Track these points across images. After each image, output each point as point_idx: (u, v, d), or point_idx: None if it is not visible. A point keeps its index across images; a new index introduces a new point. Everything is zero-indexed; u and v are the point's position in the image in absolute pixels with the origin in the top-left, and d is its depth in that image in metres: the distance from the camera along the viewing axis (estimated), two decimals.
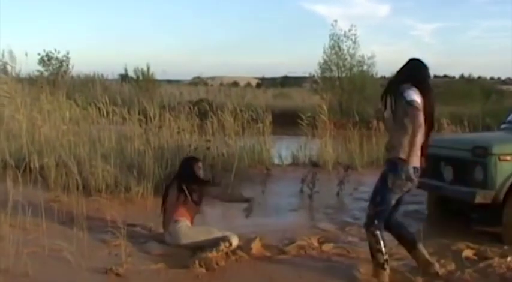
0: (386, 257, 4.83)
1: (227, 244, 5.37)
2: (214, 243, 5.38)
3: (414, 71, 4.78)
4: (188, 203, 5.67)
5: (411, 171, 4.51)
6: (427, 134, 4.75)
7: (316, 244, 5.99)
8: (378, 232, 4.80)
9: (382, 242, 4.81)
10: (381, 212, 4.79)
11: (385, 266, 4.82)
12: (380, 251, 4.81)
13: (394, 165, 4.66)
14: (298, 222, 7.15)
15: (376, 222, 4.79)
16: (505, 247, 5.94)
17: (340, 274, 5.10)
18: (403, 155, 4.58)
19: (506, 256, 5.58)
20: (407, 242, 5.11)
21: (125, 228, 5.56)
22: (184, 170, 5.95)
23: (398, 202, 4.93)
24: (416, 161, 4.59)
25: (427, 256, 5.08)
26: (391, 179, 4.67)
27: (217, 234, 5.49)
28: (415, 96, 4.55)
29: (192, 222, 5.70)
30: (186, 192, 5.66)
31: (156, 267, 5.09)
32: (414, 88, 4.62)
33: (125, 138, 9.37)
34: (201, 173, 6.04)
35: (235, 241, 5.45)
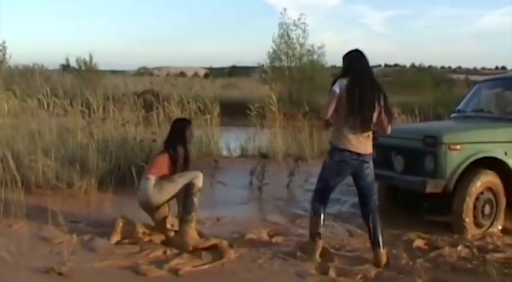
0: (319, 230, 5.27)
1: (197, 193, 5.55)
2: (183, 204, 5.59)
3: (346, 64, 5.17)
4: (168, 165, 5.67)
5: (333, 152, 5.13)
6: (356, 122, 4.99)
7: (266, 237, 6.00)
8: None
9: (314, 214, 5.33)
10: (317, 189, 5.34)
11: (317, 238, 5.26)
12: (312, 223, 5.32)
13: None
14: (247, 215, 7.15)
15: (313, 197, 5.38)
16: (455, 236, 6.09)
17: (292, 267, 5.11)
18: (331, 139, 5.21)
19: (457, 245, 5.73)
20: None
21: (67, 225, 5.46)
22: (174, 131, 5.91)
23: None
24: (339, 143, 5.07)
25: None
26: (325, 161, 5.25)
27: (182, 180, 5.56)
28: (335, 87, 5.01)
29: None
30: (172, 153, 5.67)
31: (101, 265, 4.99)
32: (343, 80, 5.02)
33: (67, 131, 9.19)
34: (191, 139, 6.05)
35: (199, 182, 5.59)
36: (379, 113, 5.04)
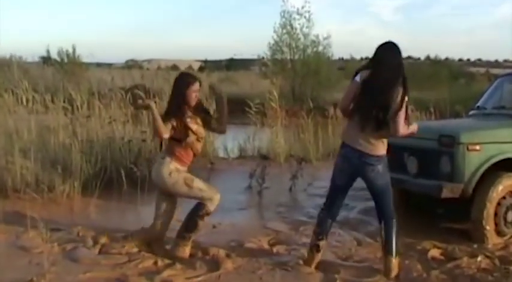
0: (319, 242, 5.30)
1: (203, 217, 5.47)
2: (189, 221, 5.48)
3: (373, 56, 5.09)
4: (181, 137, 5.43)
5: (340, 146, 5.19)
6: (368, 121, 4.98)
7: (266, 246, 6.00)
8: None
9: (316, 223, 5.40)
10: (327, 193, 5.43)
11: (314, 250, 5.32)
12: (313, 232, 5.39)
13: None
14: (246, 222, 7.15)
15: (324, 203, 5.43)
16: (475, 246, 6.08)
17: (294, 280, 5.11)
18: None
19: (476, 255, 5.71)
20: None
21: (48, 232, 5.45)
22: (176, 89, 5.51)
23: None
24: (345, 137, 5.18)
25: None
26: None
27: (198, 193, 5.42)
28: (357, 77, 5.09)
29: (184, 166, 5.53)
30: (174, 122, 5.38)
31: (85, 277, 4.99)
32: (366, 71, 5.04)
33: (48, 130, 9.19)
34: (195, 97, 5.52)
35: (212, 207, 5.48)
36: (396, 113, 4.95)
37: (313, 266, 5.32)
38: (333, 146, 11.65)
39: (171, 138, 5.44)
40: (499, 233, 6.28)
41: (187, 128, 5.43)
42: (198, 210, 5.48)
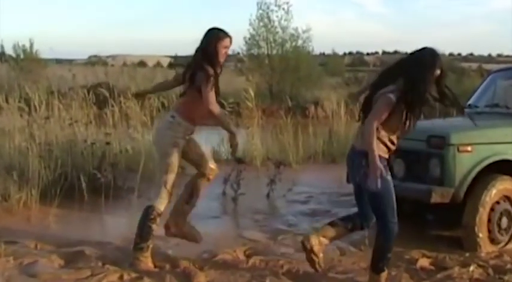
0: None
1: (155, 219, 5.47)
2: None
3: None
4: (192, 97, 5.41)
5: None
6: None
7: (242, 257, 5.99)
8: None
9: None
10: None
11: None
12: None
13: None
14: (220, 231, 7.14)
15: None
16: (467, 254, 6.12)
17: None
18: None
19: (468, 265, 5.74)
20: None
21: (2, 245, 5.39)
22: (206, 45, 5.40)
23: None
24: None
25: None
26: None
27: (169, 171, 5.50)
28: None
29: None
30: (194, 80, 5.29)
31: None
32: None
33: (2, 133, 9.11)
34: (225, 53, 5.47)
35: (161, 206, 5.51)
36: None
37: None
38: (314, 148, 11.71)
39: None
40: (493, 240, 6.33)
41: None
42: (148, 214, 5.48)
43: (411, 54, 4.95)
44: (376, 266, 5.06)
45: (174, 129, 5.44)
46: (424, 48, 4.94)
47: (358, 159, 4.89)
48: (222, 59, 5.43)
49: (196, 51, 5.45)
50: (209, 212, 8.00)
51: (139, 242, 5.47)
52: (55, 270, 5.41)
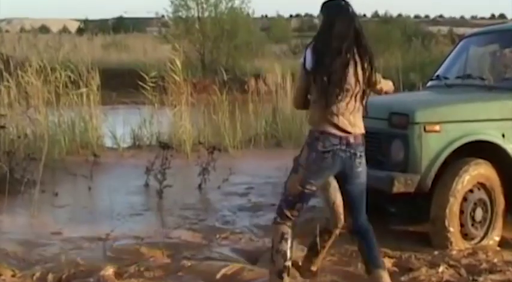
0: (288, 263, 4.96)
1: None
2: None
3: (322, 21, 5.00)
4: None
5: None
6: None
7: (169, 261, 5.99)
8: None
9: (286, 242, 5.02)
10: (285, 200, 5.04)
11: (283, 274, 4.95)
12: (280, 252, 4.97)
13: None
14: (143, 230, 7.11)
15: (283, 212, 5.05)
16: (435, 252, 6.20)
17: None
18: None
19: (438, 265, 5.82)
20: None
21: None
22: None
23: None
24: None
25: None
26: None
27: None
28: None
29: None
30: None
31: None
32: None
33: None
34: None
35: None
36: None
37: None
38: (255, 129, 11.75)
39: None
40: (466, 235, 6.43)
41: None
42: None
43: None
44: (381, 261, 5.16)
45: None
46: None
47: (355, 149, 4.94)
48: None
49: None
50: (129, 208, 8.00)
51: None
52: None
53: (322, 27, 4.92)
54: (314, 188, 4.90)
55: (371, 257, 5.13)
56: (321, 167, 4.80)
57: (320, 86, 4.75)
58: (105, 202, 8.12)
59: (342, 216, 5.39)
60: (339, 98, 4.75)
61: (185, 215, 7.76)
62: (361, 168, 4.99)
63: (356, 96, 4.84)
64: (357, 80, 4.79)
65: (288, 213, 4.92)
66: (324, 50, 4.79)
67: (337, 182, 5.08)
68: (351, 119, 4.86)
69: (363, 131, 4.98)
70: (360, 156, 4.95)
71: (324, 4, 4.98)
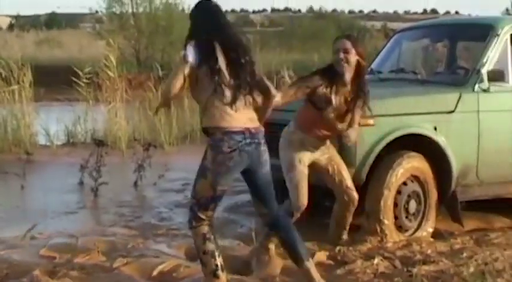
0: (219, 260, 4.97)
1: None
2: None
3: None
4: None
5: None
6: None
7: (104, 259, 5.97)
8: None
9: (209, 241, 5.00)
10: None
11: (217, 272, 4.95)
12: (208, 253, 4.97)
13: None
14: (77, 229, 7.06)
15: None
16: (370, 245, 6.28)
17: None
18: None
19: (372, 257, 5.89)
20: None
21: None
22: None
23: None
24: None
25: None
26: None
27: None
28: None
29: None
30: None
31: None
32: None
33: None
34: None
35: None
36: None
37: None
38: (191, 125, 11.73)
39: None
40: (400, 227, 6.53)
41: None
42: None
43: None
44: (305, 252, 5.16)
45: None
46: None
47: (258, 138, 4.96)
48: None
49: None
50: (63, 206, 7.96)
51: None
52: None
53: (191, 25, 5.18)
54: (226, 188, 4.94)
55: (295, 250, 5.15)
56: (229, 167, 4.82)
57: (213, 83, 4.83)
58: (39, 201, 8.07)
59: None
60: (234, 94, 4.84)
61: (121, 213, 7.75)
62: (266, 156, 5.00)
63: (245, 89, 4.91)
64: (237, 74, 4.89)
65: (203, 216, 4.92)
66: (201, 46, 4.97)
67: (244, 178, 5.11)
68: (248, 114, 4.92)
69: (258, 124, 4.99)
70: (264, 144, 4.97)
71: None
